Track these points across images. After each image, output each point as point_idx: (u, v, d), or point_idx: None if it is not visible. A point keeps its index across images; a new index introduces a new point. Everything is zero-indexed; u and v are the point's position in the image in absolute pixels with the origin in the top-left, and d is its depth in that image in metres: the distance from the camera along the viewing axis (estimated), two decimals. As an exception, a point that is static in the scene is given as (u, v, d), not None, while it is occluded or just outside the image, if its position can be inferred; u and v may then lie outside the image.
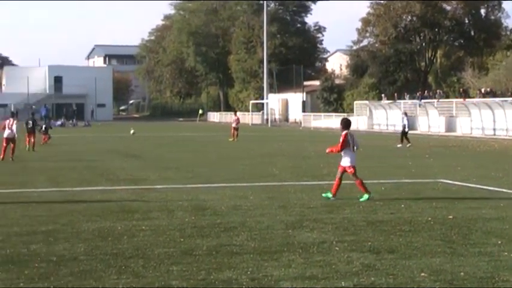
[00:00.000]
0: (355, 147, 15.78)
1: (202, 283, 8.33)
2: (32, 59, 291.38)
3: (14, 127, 26.91)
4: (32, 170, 23.10)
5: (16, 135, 27.05)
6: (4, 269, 8.97)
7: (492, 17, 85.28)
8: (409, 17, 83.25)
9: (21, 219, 12.70)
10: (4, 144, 27.03)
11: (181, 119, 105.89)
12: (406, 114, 42.65)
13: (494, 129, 54.89)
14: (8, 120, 27.43)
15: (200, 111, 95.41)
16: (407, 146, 37.04)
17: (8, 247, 10.27)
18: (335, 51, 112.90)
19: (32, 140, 32.00)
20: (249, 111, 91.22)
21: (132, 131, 49.95)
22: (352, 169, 15.48)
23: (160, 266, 9.09)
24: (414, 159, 28.25)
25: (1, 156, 26.51)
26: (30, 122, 32.19)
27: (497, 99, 56.77)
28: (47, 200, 15.40)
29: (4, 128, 27.00)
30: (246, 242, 10.66)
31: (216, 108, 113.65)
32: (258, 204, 14.68)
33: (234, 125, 43.83)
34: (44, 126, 37.85)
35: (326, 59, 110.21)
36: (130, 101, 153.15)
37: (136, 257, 9.65)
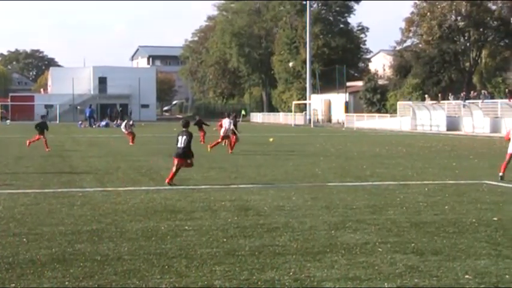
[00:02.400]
0: None
1: (245, 283, 8.35)
2: (77, 60, 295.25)
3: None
4: (78, 169, 23.33)
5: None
6: (50, 267, 9.09)
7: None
8: (454, 16, 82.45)
9: (66, 219, 12.86)
10: None
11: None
12: None
13: (540, 130, 54.04)
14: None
15: (243, 112, 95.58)
16: None
17: (54, 246, 10.41)
18: (378, 52, 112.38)
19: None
20: (292, 112, 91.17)
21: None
22: None
23: (203, 266, 9.14)
24: (459, 160, 27.97)
25: None
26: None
27: (544, 100, 55.95)
28: (92, 199, 15.57)
29: None
30: (288, 242, 10.67)
31: (259, 108, 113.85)
32: (301, 204, 14.67)
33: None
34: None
35: (369, 60, 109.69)
36: (174, 102, 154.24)
37: (180, 256, 9.71)
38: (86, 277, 8.61)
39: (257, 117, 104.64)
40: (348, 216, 13.17)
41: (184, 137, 18.73)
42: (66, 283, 8.36)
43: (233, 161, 27.12)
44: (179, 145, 18.75)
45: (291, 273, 8.75)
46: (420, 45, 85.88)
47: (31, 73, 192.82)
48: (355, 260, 9.44)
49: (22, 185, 18.34)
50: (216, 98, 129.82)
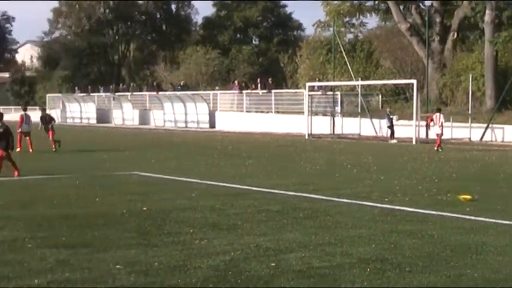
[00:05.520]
0: None
1: None
2: None
3: None
4: None
5: None
6: None
7: (182, 13, 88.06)
8: (102, 9, 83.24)
9: None
10: None
11: None
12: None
13: (186, 122, 56.76)
14: None
15: None
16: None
17: None
18: (25, 43, 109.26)
19: None
20: None
21: None
22: None
23: None
24: (109, 152, 28.26)
25: None
26: None
27: (188, 93, 58.74)
28: None
29: None
30: None
31: None
32: None
33: None
34: None
35: (16, 50, 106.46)
36: None
37: None
38: None
39: None
40: (-5, 212, 12.64)
41: None
42: None
43: None
44: None
45: None
46: (69, 37, 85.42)
47: None
48: (3, 258, 9.06)
49: None
50: None
